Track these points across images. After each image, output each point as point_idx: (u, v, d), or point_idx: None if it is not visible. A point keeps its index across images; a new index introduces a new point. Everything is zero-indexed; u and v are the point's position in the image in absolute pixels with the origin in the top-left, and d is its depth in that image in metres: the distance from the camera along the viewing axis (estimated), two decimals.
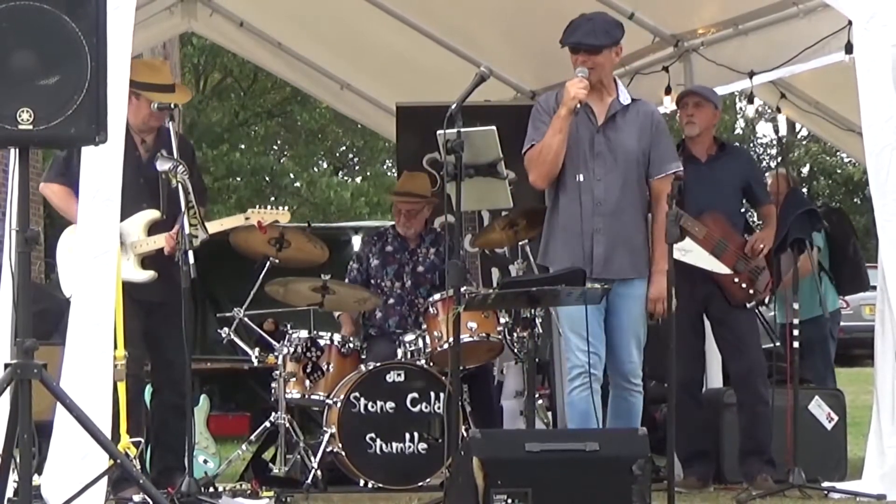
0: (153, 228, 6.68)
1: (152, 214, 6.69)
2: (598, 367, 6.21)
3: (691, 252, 6.99)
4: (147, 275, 6.66)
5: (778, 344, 8.36)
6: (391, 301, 8.08)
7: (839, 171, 30.38)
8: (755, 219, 8.28)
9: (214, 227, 6.83)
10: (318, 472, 7.18)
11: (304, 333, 7.58)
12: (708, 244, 7.17)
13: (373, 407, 7.31)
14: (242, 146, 25.92)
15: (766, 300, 7.46)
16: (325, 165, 29.57)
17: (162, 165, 6.36)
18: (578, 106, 6.16)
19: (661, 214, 6.21)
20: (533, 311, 6.11)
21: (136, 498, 5.97)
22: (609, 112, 6.33)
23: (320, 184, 25.26)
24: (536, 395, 6.51)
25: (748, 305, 7.29)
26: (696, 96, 7.35)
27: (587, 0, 8.28)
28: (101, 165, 5.85)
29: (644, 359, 6.79)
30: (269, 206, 7.04)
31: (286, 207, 7.17)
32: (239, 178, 24.97)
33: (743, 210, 7.67)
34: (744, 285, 7.23)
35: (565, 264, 6.24)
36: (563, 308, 6.31)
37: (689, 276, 7.04)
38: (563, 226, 6.31)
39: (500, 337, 7.46)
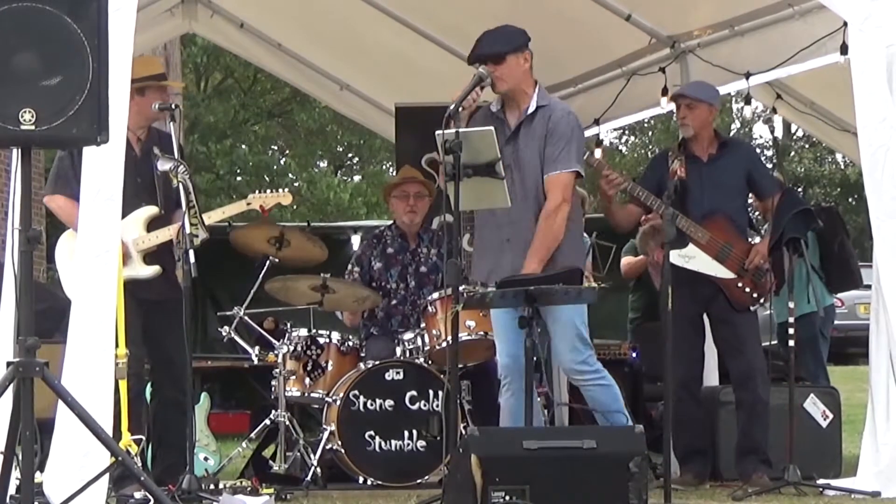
0: (152, 224, 6.73)
1: (151, 211, 6.73)
2: (513, 371, 6.32)
3: (694, 258, 7.03)
4: (152, 270, 6.71)
5: (774, 342, 8.42)
6: (394, 301, 8.12)
7: (828, 178, 30.45)
8: (758, 213, 8.28)
9: (217, 214, 6.89)
10: (318, 470, 7.21)
11: (303, 332, 7.62)
12: (711, 249, 7.20)
13: (372, 405, 7.35)
14: (244, 147, 25.96)
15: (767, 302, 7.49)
16: (323, 165, 29.58)
17: (163, 165, 6.43)
18: (457, 112, 6.03)
19: (542, 217, 6.27)
20: (530, 309, 6.14)
21: (138, 495, 5.97)
22: (516, 123, 6.41)
23: (320, 185, 25.29)
24: (535, 394, 6.54)
25: (752, 308, 7.32)
26: (687, 98, 7.34)
27: (585, 2, 8.37)
28: (103, 165, 5.87)
29: (646, 358, 6.86)
30: (269, 191, 7.10)
31: (286, 189, 7.20)
32: (241, 176, 24.99)
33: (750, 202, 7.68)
34: (747, 289, 7.24)
35: (483, 276, 6.46)
36: (492, 313, 6.43)
37: (691, 276, 7.08)
38: (481, 239, 6.52)
39: None
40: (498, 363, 6.53)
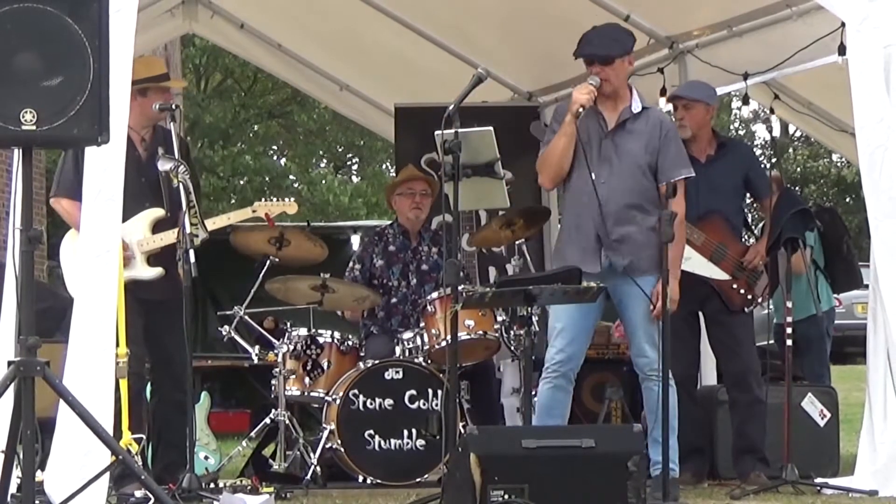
0: (157, 226, 6.76)
1: (157, 213, 6.76)
2: (569, 365, 6.39)
3: (690, 259, 7.05)
4: (155, 272, 6.73)
5: (772, 342, 8.44)
6: (394, 300, 8.14)
7: (826, 174, 30.44)
8: (757, 213, 8.30)
9: (222, 220, 6.92)
10: (318, 469, 7.23)
11: (303, 331, 7.64)
12: (706, 250, 7.22)
13: (371, 404, 7.37)
14: (244, 146, 25.98)
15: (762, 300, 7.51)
16: (323, 165, 29.59)
17: (163, 165, 6.45)
18: (582, 111, 6.33)
19: (679, 220, 6.34)
20: (529, 309, 6.17)
21: (138, 494, 5.98)
22: (619, 119, 6.49)
23: (321, 186, 25.32)
24: (533, 393, 6.57)
25: (747, 310, 7.34)
26: (683, 99, 7.35)
27: (583, 3, 8.38)
28: (103, 165, 5.89)
29: None
30: (275, 199, 7.14)
31: (292, 199, 7.25)
32: (244, 180, 25.02)
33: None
34: (742, 291, 7.26)
35: (575, 262, 6.41)
36: (554, 306, 6.44)
37: (686, 277, 7.09)
38: (572, 227, 6.52)
39: (497, 335, 7.53)
40: (549, 354, 6.51)
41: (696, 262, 7.15)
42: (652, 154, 6.48)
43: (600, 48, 6.48)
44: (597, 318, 6.60)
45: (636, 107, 6.54)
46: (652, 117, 6.57)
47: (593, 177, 6.38)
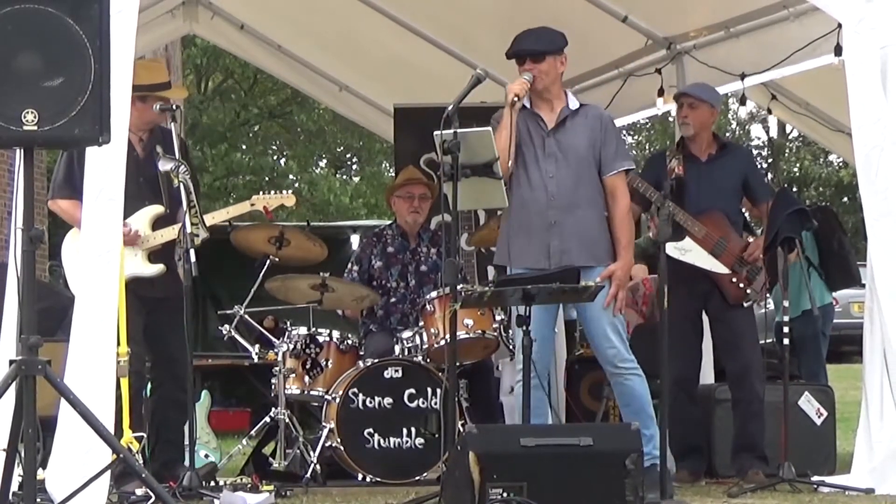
0: (157, 223, 6.79)
1: (157, 210, 6.79)
2: (541, 365, 6.40)
3: (690, 251, 7.08)
4: (156, 268, 6.76)
5: (772, 340, 8.47)
6: (393, 300, 8.17)
7: (822, 177, 30.49)
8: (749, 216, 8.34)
9: (221, 215, 6.96)
10: (318, 467, 7.26)
11: (303, 330, 7.67)
12: (707, 244, 7.26)
13: (371, 402, 7.39)
14: (244, 147, 25.98)
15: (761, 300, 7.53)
16: (323, 165, 29.60)
17: (164, 165, 6.49)
18: (517, 100, 6.37)
19: (618, 211, 6.49)
20: (528, 308, 6.20)
21: (139, 492, 6.00)
22: (559, 117, 6.54)
23: (321, 187, 25.34)
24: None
25: (745, 304, 7.37)
26: (690, 97, 7.40)
27: (582, 4, 8.41)
28: (104, 166, 5.91)
29: (643, 356, 6.90)
30: (272, 192, 7.16)
31: (290, 191, 7.26)
32: (239, 178, 25.01)
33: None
34: (741, 285, 7.29)
35: (525, 260, 6.49)
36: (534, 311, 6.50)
37: (687, 274, 7.13)
38: (520, 223, 6.53)
39: (495, 334, 7.56)
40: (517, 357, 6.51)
41: (696, 255, 7.19)
42: (595, 147, 6.52)
43: (531, 45, 6.54)
44: (556, 318, 6.63)
45: (573, 104, 6.60)
46: (591, 114, 6.63)
47: (540, 174, 6.44)
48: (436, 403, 7.34)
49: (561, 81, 6.64)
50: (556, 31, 6.66)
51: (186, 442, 6.44)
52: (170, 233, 6.72)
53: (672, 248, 6.93)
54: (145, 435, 6.49)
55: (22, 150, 4.90)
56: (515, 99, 6.36)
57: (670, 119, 7.77)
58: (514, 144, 6.35)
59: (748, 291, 7.31)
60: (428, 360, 7.53)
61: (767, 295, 7.52)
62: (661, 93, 8.52)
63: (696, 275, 7.21)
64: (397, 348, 7.72)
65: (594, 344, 6.57)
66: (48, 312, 6.90)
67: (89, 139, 4.82)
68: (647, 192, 7.13)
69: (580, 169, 6.50)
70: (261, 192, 7.21)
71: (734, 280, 7.30)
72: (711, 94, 7.49)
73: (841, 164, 28.30)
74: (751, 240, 7.48)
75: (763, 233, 7.38)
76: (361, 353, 7.80)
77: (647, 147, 32.64)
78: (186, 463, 6.36)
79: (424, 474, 7.26)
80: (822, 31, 7.32)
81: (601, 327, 6.47)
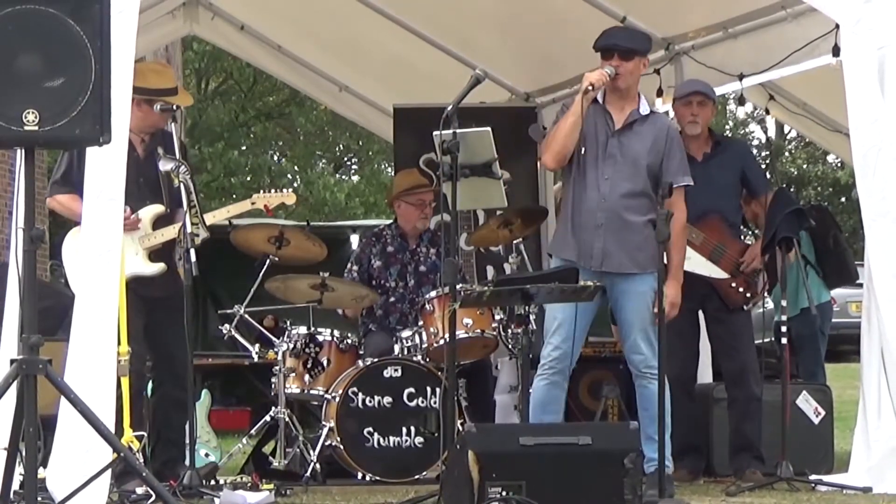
0: (158, 222, 6.81)
1: (157, 209, 6.81)
2: (565, 362, 6.40)
3: (689, 259, 7.08)
4: (157, 267, 6.77)
5: (770, 340, 8.48)
6: (392, 299, 8.19)
7: (822, 177, 30.48)
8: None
9: (221, 213, 6.97)
10: (317, 466, 7.28)
11: (303, 330, 7.69)
12: (705, 250, 7.27)
13: (370, 402, 7.42)
14: (244, 147, 25.98)
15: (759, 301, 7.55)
16: (321, 165, 29.61)
17: (164, 166, 6.52)
18: (591, 89, 6.34)
19: (675, 233, 6.37)
20: (527, 307, 6.22)
21: (139, 490, 6.02)
22: (627, 120, 6.51)
23: (317, 185, 25.35)
24: (530, 390, 6.61)
25: (745, 308, 7.38)
26: (700, 95, 7.37)
27: (580, 5, 8.43)
28: (105, 166, 5.93)
29: None
30: (273, 191, 7.18)
31: (290, 190, 7.28)
32: (235, 178, 25.00)
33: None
34: (741, 289, 7.30)
35: (567, 254, 6.48)
36: (552, 306, 6.49)
37: (686, 276, 7.13)
38: (569, 218, 6.53)
39: (494, 333, 7.58)
40: (545, 350, 6.51)
41: (695, 262, 7.20)
42: (656, 157, 6.49)
43: (623, 41, 6.54)
44: (592, 316, 6.62)
45: (644, 109, 6.57)
46: (659, 122, 6.62)
47: (596, 174, 6.43)
48: (435, 402, 7.36)
49: (638, 85, 6.62)
50: (646, 33, 6.65)
51: (187, 441, 6.46)
52: (170, 232, 6.73)
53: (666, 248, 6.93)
54: (146, 434, 6.50)
55: (23, 151, 4.91)
56: (590, 88, 6.33)
57: (670, 116, 7.76)
58: (580, 134, 6.31)
59: (747, 296, 7.33)
60: (427, 360, 7.55)
61: (766, 296, 7.53)
62: (659, 93, 8.53)
63: (695, 278, 7.22)
64: (396, 348, 7.74)
65: (625, 346, 6.56)
66: (49, 312, 6.91)
67: (90, 139, 4.84)
68: None
69: (636, 175, 6.47)
70: (261, 191, 7.22)
71: (733, 285, 7.31)
72: (714, 93, 7.51)
73: (838, 164, 28.30)
74: (749, 242, 7.50)
75: (757, 236, 7.40)
76: (361, 352, 7.82)
77: None
78: (187, 462, 6.38)
79: (424, 473, 7.28)
80: (819, 31, 7.34)
81: (633, 334, 6.47)
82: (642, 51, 6.55)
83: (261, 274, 7.66)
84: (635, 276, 6.44)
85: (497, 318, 7.58)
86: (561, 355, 6.41)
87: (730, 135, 30.22)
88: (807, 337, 8.95)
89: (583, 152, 6.41)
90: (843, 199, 29.58)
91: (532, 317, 6.90)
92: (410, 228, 8.23)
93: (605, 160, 6.46)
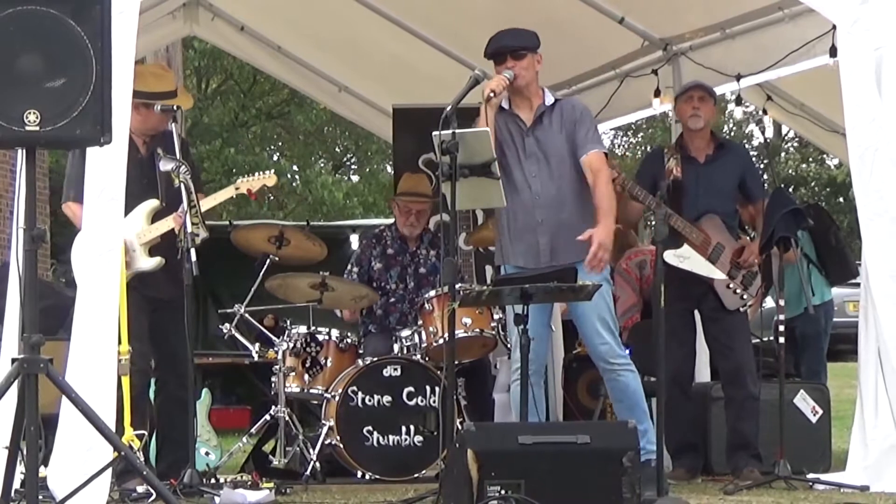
0: (155, 218, 6.82)
1: (153, 204, 6.80)
2: (538, 363, 6.46)
3: (689, 259, 7.11)
4: (155, 261, 6.77)
5: (769, 338, 8.49)
6: (392, 300, 8.21)
7: (818, 176, 30.49)
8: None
9: (209, 201, 6.96)
10: (317, 464, 7.30)
11: (303, 329, 7.71)
12: (704, 249, 7.29)
13: (370, 400, 7.44)
14: (244, 147, 25.97)
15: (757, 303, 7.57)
16: (321, 165, 29.62)
17: (165, 165, 6.54)
18: (493, 95, 6.39)
19: (598, 182, 6.49)
20: (526, 307, 6.24)
21: (140, 489, 6.04)
22: (535, 114, 6.59)
23: (316, 184, 25.35)
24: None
25: (742, 310, 7.41)
26: (702, 90, 7.40)
27: (577, 4, 8.45)
28: (106, 166, 5.94)
29: (637, 354, 6.95)
30: (256, 174, 7.18)
31: (271, 171, 7.27)
32: (234, 177, 24.96)
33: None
34: (738, 290, 7.33)
35: (518, 259, 6.57)
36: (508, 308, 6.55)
37: (682, 275, 7.16)
38: (506, 225, 6.62)
39: (493, 332, 7.60)
40: (514, 355, 6.54)
41: (694, 262, 7.22)
42: (570, 138, 6.58)
43: (511, 41, 6.60)
44: (549, 313, 6.67)
45: (549, 100, 6.65)
46: (565, 106, 6.69)
47: (522, 174, 6.50)
48: (434, 401, 7.38)
49: (538, 80, 6.68)
50: (530, 30, 6.71)
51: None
52: (165, 224, 6.73)
53: (671, 256, 6.97)
54: (146, 433, 6.52)
55: (24, 151, 4.92)
56: (491, 94, 6.40)
57: (668, 121, 7.79)
58: (495, 143, 6.34)
59: (744, 297, 7.35)
60: (426, 359, 7.58)
61: (765, 296, 7.55)
62: (657, 93, 8.56)
63: (690, 276, 7.24)
64: (396, 347, 7.76)
65: (586, 340, 6.63)
66: (50, 311, 6.93)
67: (91, 139, 4.84)
68: (645, 199, 7.15)
69: (561, 165, 6.56)
70: (243, 177, 7.22)
71: (730, 286, 7.33)
72: (714, 92, 7.53)
73: (836, 164, 28.30)
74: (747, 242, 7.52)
75: (755, 237, 7.42)
76: (361, 351, 7.84)
77: (646, 147, 32.63)
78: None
79: (423, 472, 7.30)
80: (816, 32, 7.35)
81: (592, 323, 6.52)
82: (532, 47, 6.60)
83: (261, 273, 7.68)
84: (583, 266, 6.45)
85: (496, 317, 7.60)
86: (532, 357, 6.38)
87: (730, 136, 30.31)
88: (810, 336, 8.97)
89: (505, 158, 6.49)
90: (839, 199, 29.58)
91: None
92: (403, 229, 8.26)
93: (527, 159, 6.55)
